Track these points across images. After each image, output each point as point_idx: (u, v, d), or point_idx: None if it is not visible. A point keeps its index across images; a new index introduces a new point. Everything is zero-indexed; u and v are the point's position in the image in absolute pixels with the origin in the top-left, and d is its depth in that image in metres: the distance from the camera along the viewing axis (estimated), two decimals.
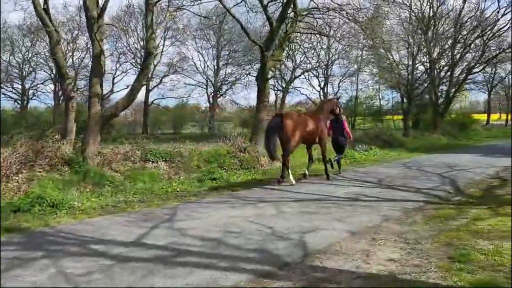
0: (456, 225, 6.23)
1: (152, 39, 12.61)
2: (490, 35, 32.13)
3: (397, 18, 30.55)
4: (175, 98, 47.57)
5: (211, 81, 48.23)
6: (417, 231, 5.90)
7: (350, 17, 16.53)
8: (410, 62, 29.88)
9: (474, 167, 13.64)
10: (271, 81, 51.23)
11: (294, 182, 10.21)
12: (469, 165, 14.19)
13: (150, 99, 45.82)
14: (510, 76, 54.42)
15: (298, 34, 20.05)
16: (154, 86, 45.11)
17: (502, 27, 31.37)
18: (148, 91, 44.24)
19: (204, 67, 47.77)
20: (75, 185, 8.88)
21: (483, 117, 56.05)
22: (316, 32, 17.19)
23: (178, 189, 9.55)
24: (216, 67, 47.66)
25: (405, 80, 29.83)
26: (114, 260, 4.62)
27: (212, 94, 48.52)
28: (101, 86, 12.98)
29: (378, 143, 23.11)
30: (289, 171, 10.52)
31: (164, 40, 43.16)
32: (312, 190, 9.27)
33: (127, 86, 29.86)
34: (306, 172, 11.70)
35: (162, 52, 43.85)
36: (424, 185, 9.99)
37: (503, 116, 66.57)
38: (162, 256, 4.77)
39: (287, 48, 23.17)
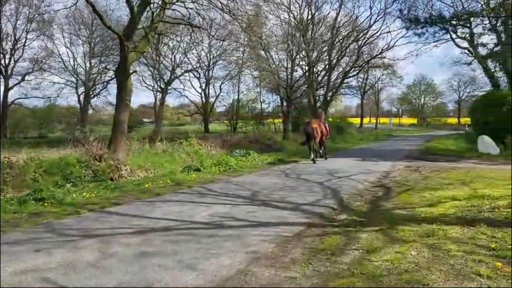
0: (347, 263, 4.56)
1: None
2: (364, 41, 33.19)
3: (277, 19, 29.89)
4: (40, 98, 41.97)
5: (82, 80, 43.57)
6: (296, 280, 4.10)
7: (225, 8, 14.78)
8: (290, 65, 29.29)
9: (355, 173, 12.72)
10: (149, 81, 48.32)
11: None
12: (350, 170, 13.27)
13: (11, 99, 39.77)
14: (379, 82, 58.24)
15: (175, 29, 18.07)
16: (15, 84, 39.32)
17: (374, 33, 32.55)
18: (7, 90, 38.22)
19: (74, 64, 42.92)
20: None
21: (356, 120, 59.16)
22: (186, 23, 15.10)
23: None
24: (88, 64, 43.10)
25: (285, 82, 29.16)
26: None
27: (84, 94, 43.92)
28: None
29: (257, 147, 21.88)
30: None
31: (27, 33, 37.93)
32: (168, 213, 7.10)
33: None
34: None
35: (24, 46, 38.49)
36: (304, 198, 8.44)
37: (373, 120, 71.44)
38: None
39: (162, 45, 21.06)
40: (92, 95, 45.00)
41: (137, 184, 10.42)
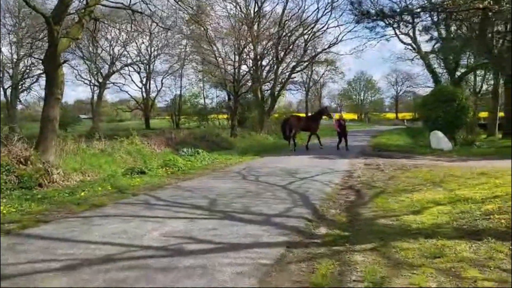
0: None
1: None
2: (311, 35, 32.65)
3: (223, 10, 28.55)
4: None
5: (8, 73, 39.80)
6: None
7: None
8: (237, 58, 28.03)
9: (317, 173, 11.76)
10: (85, 75, 45.27)
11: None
12: (310, 170, 12.30)
13: None
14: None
15: (114, 16, 16.29)
16: None
17: (321, 27, 32.09)
18: None
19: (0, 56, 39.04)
20: None
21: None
22: (127, 7, 13.41)
23: None
24: (15, 56, 39.35)
25: (232, 76, 27.87)
26: None
27: (11, 87, 40.18)
28: None
29: (205, 144, 20.54)
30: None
31: None
32: (109, 234, 5.62)
33: None
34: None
35: None
36: (272, 208, 7.25)
37: None
38: None
39: (99, 36, 19.05)
40: (21, 89, 41.32)
41: (70, 192, 8.77)
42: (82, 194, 8.67)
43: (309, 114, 25.69)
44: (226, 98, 49.06)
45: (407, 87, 76.09)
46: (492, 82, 41.07)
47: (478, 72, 38.25)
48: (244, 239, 5.34)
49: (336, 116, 21.58)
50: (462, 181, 9.66)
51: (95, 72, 46.30)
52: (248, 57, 29.74)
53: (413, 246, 4.99)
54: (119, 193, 8.89)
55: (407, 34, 34.40)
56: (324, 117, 21.55)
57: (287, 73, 34.27)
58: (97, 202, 7.90)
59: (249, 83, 30.28)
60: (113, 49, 43.59)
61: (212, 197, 8.20)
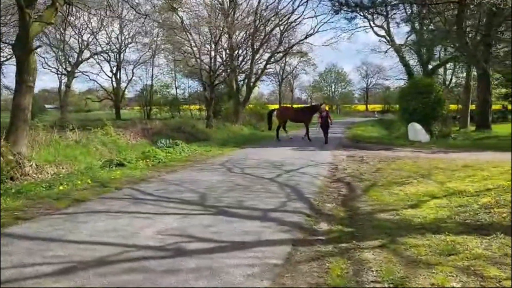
0: None
1: None
2: (286, 26, 32.39)
3: None
4: None
5: None
6: None
7: None
8: (213, 47, 27.45)
9: (302, 165, 11.57)
10: (52, 63, 43.58)
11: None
12: (294, 162, 12.11)
13: None
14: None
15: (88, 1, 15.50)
16: None
17: (297, 18, 31.87)
18: None
19: None
20: None
21: (275, 107, 58.92)
22: None
23: None
24: None
25: (208, 66, 27.29)
26: None
27: None
28: None
29: (182, 136, 20.05)
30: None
31: None
32: (98, 233, 5.22)
33: None
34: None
35: None
36: (266, 202, 6.98)
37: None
38: None
39: (69, 21, 18.06)
40: None
41: (48, 186, 8.24)
42: (61, 188, 8.15)
43: (303, 107, 25.71)
44: (199, 88, 48.42)
45: (378, 79, 77.33)
46: (461, 75, 42.09)
47: (447, 65, 38.99)
48: (246, 236, 5.05)
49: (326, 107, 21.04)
50: (449, 174, 9.64)
51: (63, 60, 44.74)
52: (223, 47, 29.20)
53: (422, 243, 4.83)
54: (101, 186, 8.42)
55: (381, 27, 34.65)
56: (316, 114, 21.26)
57: (263, 64, 33.93)
58: (78, 196, 7.42)
59: (223, 75, 29.78)
60: (82, 36, 42.14)
61: (201, 191, 7.85)
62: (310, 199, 7.26)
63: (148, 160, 11.92)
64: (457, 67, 41.02)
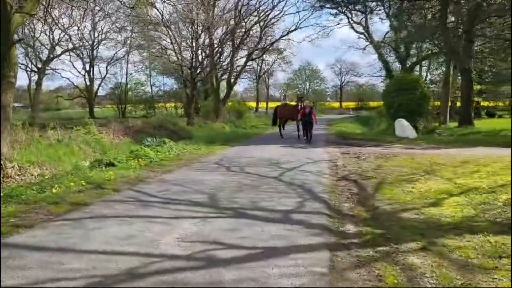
0: None
1: None
2: (266, 22, 32.10)
3: None
4: None
5: None
6: None
7: None
8: (194, 44, 26.84)
9: (301, 163, 11.28)
10: (21, 60, 41.85)
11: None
12: (291, 160, 11.84)
13: None
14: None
15: None
16: None
17: (277, 14, 31.61)
18: None
19: None
20: None
21: (252, 104, 58.79)
22: None
23: None
24: None
25: (189, 63, 26.67)
26: None
27: None
28: None
29: (164, 134, 19.47)
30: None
31: None
32: (113, 240, 4.74)
33: None
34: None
35: None
36: (281, 202, 6.62)
37: (262, 104, 72.24)
38: None
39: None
40: None
41: (39, 189, 7.63)
42: (54, 191, 7.56)
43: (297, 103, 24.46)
44: (174, 86, 47.58)
45: (351, 76, 78.07)
46: (435, 72, 42.78)
47: (422, 62, 39.48)
48: (276, 241, 4.69)
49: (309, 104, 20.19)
50: (452, 170, 9.55)
51: (33, 57, 43.09)
52: (204, 44, 28.63)
53: (463, 244, 4.59)
54: (97, 188, 7.86)
55: (359, 23, 34.75)
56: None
57: (243, 60, 33.54)
58: (76, 200, 6.87)
59: (206, 70, 29.21)
60: (52, 33, 40.58)
61: (208, 192, 7.42)
62: (325, 199, 6.95)
63: (140, 160, 11.37)
64: (432, 64, 41.68)
